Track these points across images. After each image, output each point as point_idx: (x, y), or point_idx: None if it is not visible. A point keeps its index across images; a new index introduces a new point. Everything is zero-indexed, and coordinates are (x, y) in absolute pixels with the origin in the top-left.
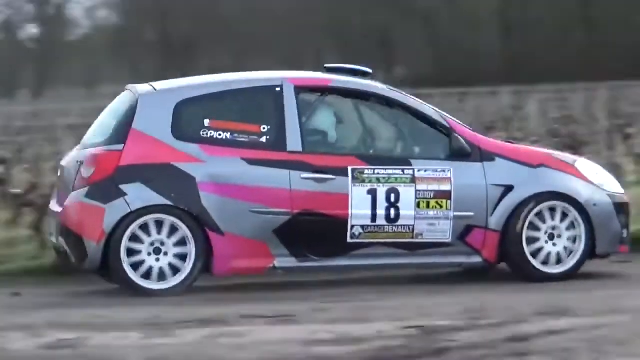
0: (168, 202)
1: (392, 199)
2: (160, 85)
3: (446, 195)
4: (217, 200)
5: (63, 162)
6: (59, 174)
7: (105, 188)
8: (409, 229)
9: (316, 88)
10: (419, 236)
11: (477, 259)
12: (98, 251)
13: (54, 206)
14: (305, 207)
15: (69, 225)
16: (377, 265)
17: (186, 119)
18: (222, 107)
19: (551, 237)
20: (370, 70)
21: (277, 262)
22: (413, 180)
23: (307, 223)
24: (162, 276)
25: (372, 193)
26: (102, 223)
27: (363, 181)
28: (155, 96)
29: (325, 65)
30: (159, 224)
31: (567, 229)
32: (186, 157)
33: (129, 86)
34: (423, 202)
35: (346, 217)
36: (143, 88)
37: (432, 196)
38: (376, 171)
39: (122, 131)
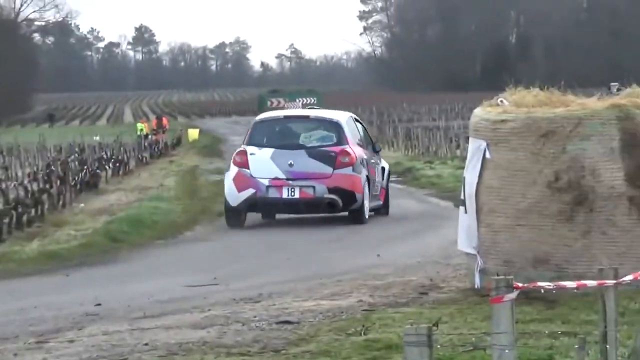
0: (368, 174)
1: (379, 172)
2: (335, 114)
3: (380, 170)
4: (367, 172)
5: (261, 154)
6: (241, 161)
7: (358, 167)
8: (376, 188)
9: (354, 119)
10: (375, 191)
11: (380, 203)
12: (363, 199)
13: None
14: (371, 175)
15: (342, 187)
16: (373, 206)
17: (353, 131)
18: (354, 126)
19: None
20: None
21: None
22: (378, 162)
23: (370, 183)
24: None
25: (375, 168)
26: (362, 184)
27: (374, 162)
28: (342, 119)
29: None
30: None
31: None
32: (365, 152)
33: (319, 115)
34: (379, 174)
35: (373, 180)
36: (334, 116)
37: (380, 171)
38: (373, 159)
39: (342, 139)
